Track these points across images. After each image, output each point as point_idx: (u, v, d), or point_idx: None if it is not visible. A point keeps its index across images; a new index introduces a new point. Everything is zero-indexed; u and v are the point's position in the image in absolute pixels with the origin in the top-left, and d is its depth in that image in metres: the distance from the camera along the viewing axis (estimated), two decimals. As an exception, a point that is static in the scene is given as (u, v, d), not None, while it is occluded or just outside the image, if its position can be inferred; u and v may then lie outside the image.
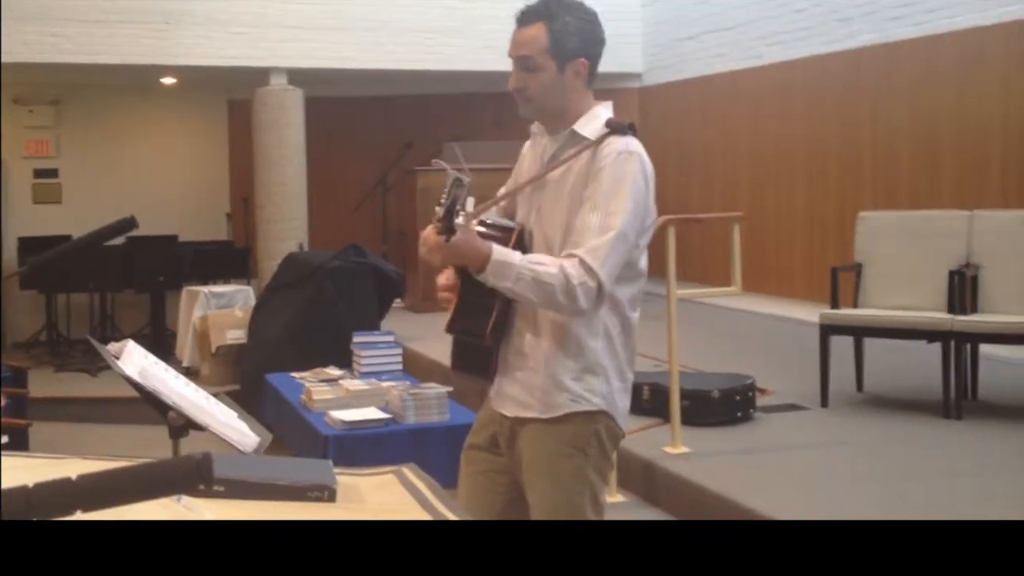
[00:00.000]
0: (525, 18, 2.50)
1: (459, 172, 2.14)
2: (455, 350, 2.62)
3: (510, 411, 2.57)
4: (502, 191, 2.74)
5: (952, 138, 7.36)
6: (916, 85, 7.66)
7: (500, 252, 2.32)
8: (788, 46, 8.90)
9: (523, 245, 2.51)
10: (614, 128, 2.46)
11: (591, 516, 2.55)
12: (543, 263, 2.35)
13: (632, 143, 2.45)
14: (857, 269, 5.96)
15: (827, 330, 5.58)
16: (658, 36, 10.70)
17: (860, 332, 5.71)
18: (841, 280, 5.89)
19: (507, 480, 2.62)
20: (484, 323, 2.49)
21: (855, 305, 5.89)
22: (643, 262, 2.52)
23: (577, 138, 2.50)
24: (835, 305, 5.81)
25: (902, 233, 5.93)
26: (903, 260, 5.81)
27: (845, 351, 5.74)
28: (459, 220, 2.17)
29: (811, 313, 6.61)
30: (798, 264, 8.79)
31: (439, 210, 2.16)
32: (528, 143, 2.71)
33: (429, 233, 2.28)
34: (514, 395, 2.56)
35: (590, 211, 2.40)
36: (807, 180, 8.73)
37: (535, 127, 2.66)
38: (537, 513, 2.51)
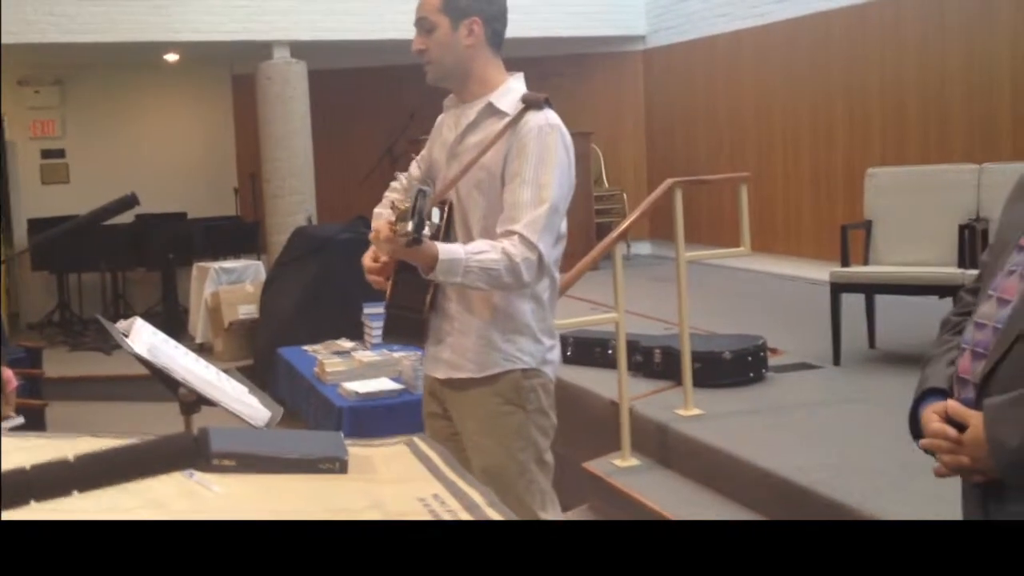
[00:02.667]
0: None
1: (423, 184, 2.21)
2: (387, 322, 2.70)
3: (442, 374, 2.66)
4: (414, 169, 2.84)
5: (961, 92, 7.30)
6: (924, 39, 7.59)
7: (446, 251, 2.38)
8: (793, 3, 8.81)
9: (451, 219, 2.59)
10: (530, 103, 2.54)
11: (536, 472, 2.63)
12: (484, 250, 2.41)
13: (551, 116, 2.54)
14: (866, 226, 5.93)
15: (837, 288, 5.57)
16: (661, -3, 10.62)
17: (870, 289, 5.69)
18: (851, 237, 5.87)
19: None
20: (421, 298, 2.60)
21: (865, 262, 5.87)
22: (564, 226, 2.59)
23: (493, 110, 2.58)
24: (845, 263, 5.80)
25: (911, 188, 5.90)
26: (912, 215, 5.78)
27: (856, 309, 5.73)
28: (426, 231, 2.23)
29: (821, 272, 6.59)
30: (807, 223, 8.76)
31: (403, 220, 2.21)
32: (441, 116, 2.77)
33: (384, 229, 2.32)
34: (445, 358, 2.65)
35: (520, 186, 2.47)
36: (814, 138, 8.68)
37: (448, 101, 2.74)
38: (481, 473, 2.55)
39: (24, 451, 1.82)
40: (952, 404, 1.78)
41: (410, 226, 2.18)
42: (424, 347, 2.75)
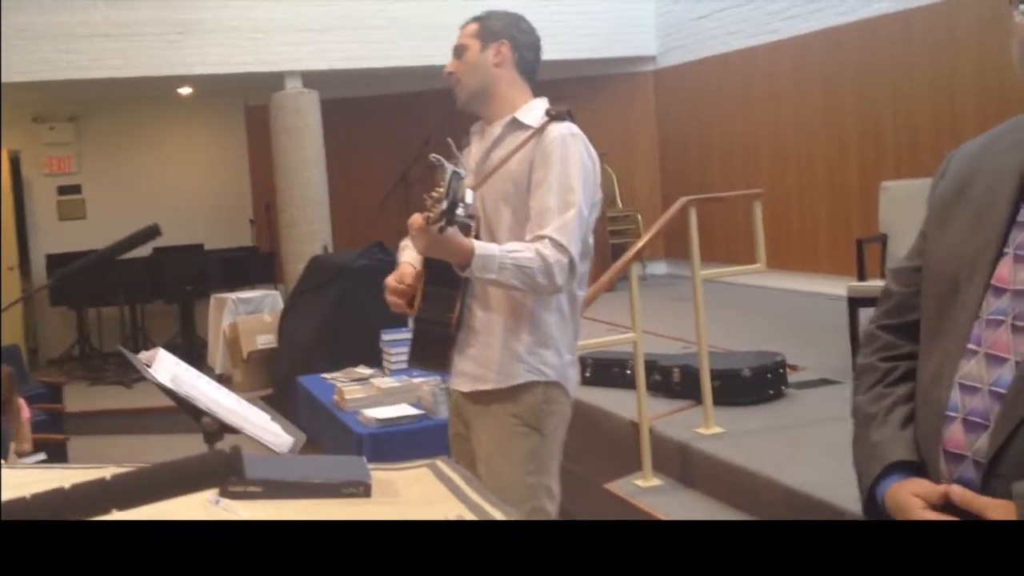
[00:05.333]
0: (464, 23, 2.76)
1: (456, 166, 2.18)
2: (414, 343, 2.71)
3: (466, 386, 2.67)
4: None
5: (974, 103, 7.29)
6: (935, 52, 7.59)
7: (481, 246, 2.40)
8: (803, 19, 8.84)
9: (479, 234, 2.60)
10: (553, 115, 2.61)
11: (544, 500, 2.62)
12: (519, 250, 2.44)
13: (573, 127, 2.60)
14: (882, 240, 5.92)
15: (855, 303, 5.55)
16: (671, 17, 10.65)
17: (889, 303, 5.66)
18: (867, 252, 5.85)
19: None
20: (449, 313, 2.61)
21: (882, 276, 5.85)
22: (591, 240, 2.63)
23: (517, 124, 2.64)
24: (862, 277, 5.78)
25: (925, 201, 5.87)
26: (929, 228, 5.75)
27: (875, 323, 5.70)
28: (460, 212, 2.20)
29: (838, 287, 6.58)
30: (823, 238, 8.74)
31: (437, 204, 2.18)
32: (468, 147, 2.83)
33: (418, 219, 2.32)
34: (468, 371, 2.66)
35: (546, 192, 2.51)
36: (828, 153, 8.67)
37: (474, 127, 2.80)
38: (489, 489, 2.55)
39: (57, 482, 1.83)
40: (959, 491, 1.41)
41: (444, 205, 2.14)
42: (448, 371, 2.76)
